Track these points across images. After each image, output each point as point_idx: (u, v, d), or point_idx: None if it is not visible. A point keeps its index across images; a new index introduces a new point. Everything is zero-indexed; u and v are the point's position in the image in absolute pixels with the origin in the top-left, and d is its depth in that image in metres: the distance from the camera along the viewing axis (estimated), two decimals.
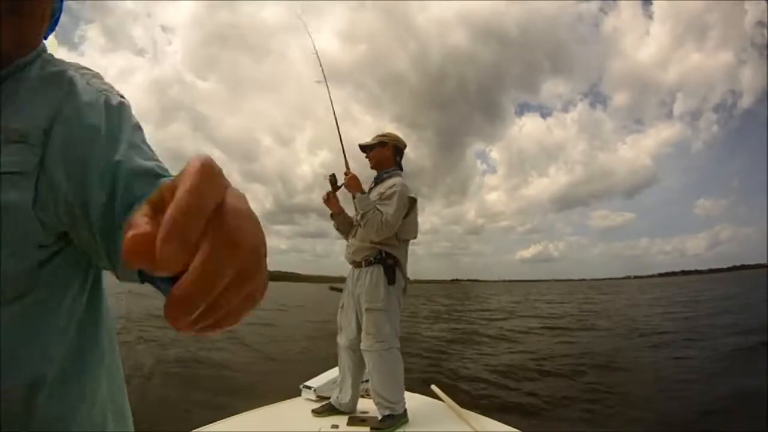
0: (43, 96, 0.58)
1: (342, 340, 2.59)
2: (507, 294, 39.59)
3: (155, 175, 0.56)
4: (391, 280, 2.44)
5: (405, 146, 2.70)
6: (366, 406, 2.57)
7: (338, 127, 2.75)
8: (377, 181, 2.63)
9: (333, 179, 2.62)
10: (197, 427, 2.15)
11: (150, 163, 0.57)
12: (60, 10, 0.67)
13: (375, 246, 2.48)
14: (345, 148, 2.70)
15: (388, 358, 2.39)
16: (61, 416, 0.57)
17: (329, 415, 2.47)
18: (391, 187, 2.48)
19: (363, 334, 2.44)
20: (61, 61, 0.65)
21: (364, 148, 2.67)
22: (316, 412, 2.48)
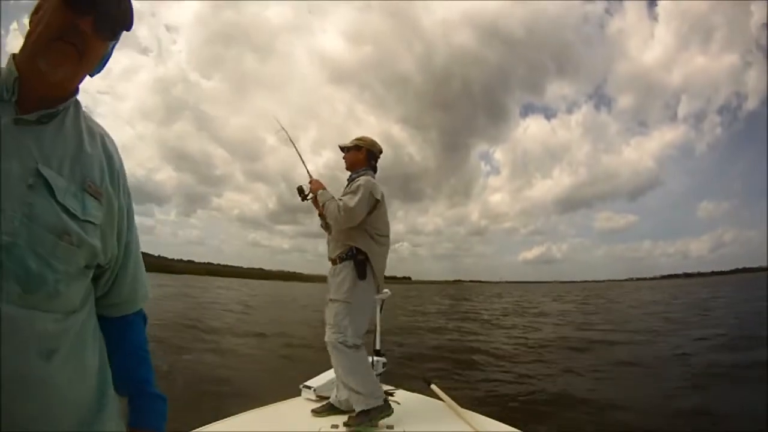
0: (96, 157, 0.77)
1: (327, 335, 2.59)
2: (508, 295, 39.60)
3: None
4: (361, 274, 2.47)
5: (380, 151, 2.76)
6: None
7: (301, 156, 2.88)
8: (349, 181, 2.69)
9: (300, 190, 2.73)
10: (197, 427, 2.14)
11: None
12: (110, 54, 0.81)
13: (347, 244, 2.53)
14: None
15: (345, 351, 2.40)
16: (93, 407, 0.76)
17: (329, 414, 2.47)
18: (356, 182, 2.56)
19: (326, 326, 2.50)
20: (88, 116, 0.81)
21: (342, 149, 2.76)
22: (316, 412, 2.48)
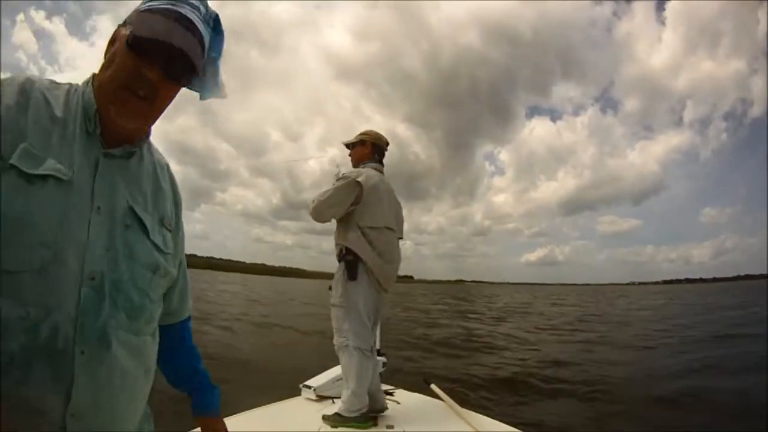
0: (167, 192, 0.84)
1: (334, 339, 2.56)
2: (509, 297, 39.60)
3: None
4: (351, 275, 2.41)
5: (386, 144, 2.69)
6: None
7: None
8: None
9: None
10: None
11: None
12: (206, 79, 0.81)
13: (338, 243, 2.48)
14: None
15: (345, 355, 2.39)
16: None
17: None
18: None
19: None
20: (153, 146, 0.86)
21: (346, 146, 2.70)
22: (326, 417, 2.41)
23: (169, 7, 0.71)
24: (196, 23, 0.73)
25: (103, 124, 0.72)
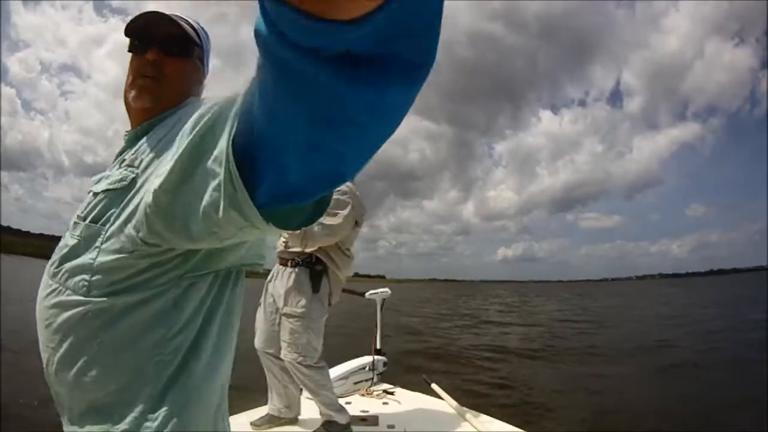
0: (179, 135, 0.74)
1: (257, 342, 2.39)
2: (484, 295, 40.05)
3: None
4: (315, 287, 2.26)
5: None
6: (367, 405, 2.61)
7: None
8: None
9: None
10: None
11: None
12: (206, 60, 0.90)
13: (309, 251, 2.27)
14: None
15: (307, 372, 2.19)
16: None
17: (270, 427, 2.30)
18: (343, 195, 2.30)
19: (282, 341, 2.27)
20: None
21: None
22: (255, 425, 2.29)
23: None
24: (172, 15, 0.81)
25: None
